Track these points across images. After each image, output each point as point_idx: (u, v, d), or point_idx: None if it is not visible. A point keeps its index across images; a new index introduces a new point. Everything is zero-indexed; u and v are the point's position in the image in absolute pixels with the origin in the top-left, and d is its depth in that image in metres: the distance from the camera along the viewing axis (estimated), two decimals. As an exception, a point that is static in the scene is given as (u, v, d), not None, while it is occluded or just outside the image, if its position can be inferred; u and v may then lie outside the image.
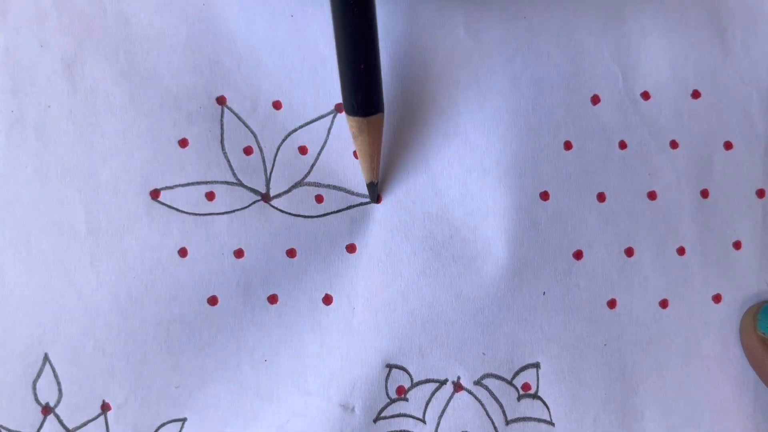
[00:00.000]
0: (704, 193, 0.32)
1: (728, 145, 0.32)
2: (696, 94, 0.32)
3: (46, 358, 0.29)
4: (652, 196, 0.31)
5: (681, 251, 0.31)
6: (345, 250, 0.30)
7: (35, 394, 0.29)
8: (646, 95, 0.32)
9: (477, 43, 0.31)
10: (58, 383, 0.29)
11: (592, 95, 0.31)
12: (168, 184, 0.30)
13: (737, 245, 0.32)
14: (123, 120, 0.30)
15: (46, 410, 0.29)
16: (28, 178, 0.29)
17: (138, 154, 0.30)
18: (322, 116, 0.31)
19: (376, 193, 0.30)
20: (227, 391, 0.29)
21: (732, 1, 0.32)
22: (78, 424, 0.29)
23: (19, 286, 0.29)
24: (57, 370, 0.29)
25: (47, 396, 0.29)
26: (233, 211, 0.30)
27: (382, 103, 0.28)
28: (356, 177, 0.30)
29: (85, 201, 0.29)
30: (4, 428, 0.29)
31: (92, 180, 0.29)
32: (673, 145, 0.32)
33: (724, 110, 0.32)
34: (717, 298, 0.31)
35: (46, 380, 0.29)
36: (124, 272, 0.29)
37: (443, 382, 0.30)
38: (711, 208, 0.32)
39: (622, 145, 0.31)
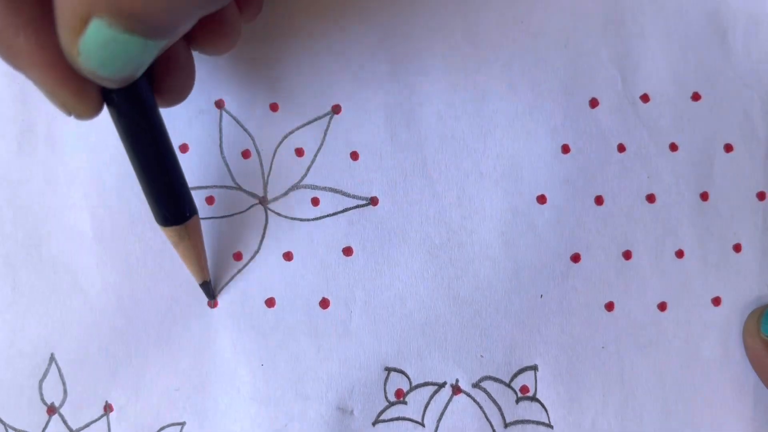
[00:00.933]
0: (704, 196, 0.31)
1: (728, 148, 0.32)
2: (696, 96, 0.32)
3: (52, 359, 0.29)
4: (651, 198, 0.31)
5: (680, 254, 0.31)
6: (342, 253, 0.30)
7: (41, 394, 0.29)
8: (645, 98, 0.32)
9: (474, 47, 0.31)
10: (64, 383, 0.29)
11: (590, 98, 0.31)
12: (169, 189, 0.30)
13: (737, 248, 0.31)
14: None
15: (51, 410, 0.29)
16: (38, 184, 0.30)
17: (140, 160, 0.30)
18: (319, 117, 0.31)
19: (211, 291, 0.30)
20: (225, 395, 0.30)
21: (733, 3, 0.32)
22: (81, 424, 0.29)
23: (29, 288, 0.30)
24: (62, 370, 0.30)
25: (52, 396, 0.29)
26: (232, 215, 0.30)
27: (194, 205, 0.27)
28: (353, 179, 0.31)
29: (91, 206, 0.30)
30: (11, 428, 0.29)
31: (97, 186, 0.30)
32: (673, 147, 0.31)
33: (724, 112, 0.32)
34: (717, 301, 0.31)
35: (52, 380, 0.29)
36: (128, 275, 0.30)
37: (442, 385, 0.30)
38: (711, 210, 0.31)
39: (621, 148, 0.31)
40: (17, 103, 0.30)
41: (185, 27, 0.21)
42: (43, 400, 0.29)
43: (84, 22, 0.19)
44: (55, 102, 0.22)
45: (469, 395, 0.30)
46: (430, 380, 0.30)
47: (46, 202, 0.30)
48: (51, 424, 0.29)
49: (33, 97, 0.30)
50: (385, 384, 0.30)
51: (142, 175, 0.25)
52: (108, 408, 0.30)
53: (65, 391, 0.29)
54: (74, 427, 0.29)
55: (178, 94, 0.26)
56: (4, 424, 0.29)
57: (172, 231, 0.27)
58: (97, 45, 0.19)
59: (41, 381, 0.30)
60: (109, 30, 0.19)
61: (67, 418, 0.29)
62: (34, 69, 0.21)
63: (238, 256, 0.30)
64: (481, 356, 0.30)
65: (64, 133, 0.30)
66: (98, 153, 0.30)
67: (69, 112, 0.22)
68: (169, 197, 0.26)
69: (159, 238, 0.30)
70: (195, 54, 0.30)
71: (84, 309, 0.30)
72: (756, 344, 0.30)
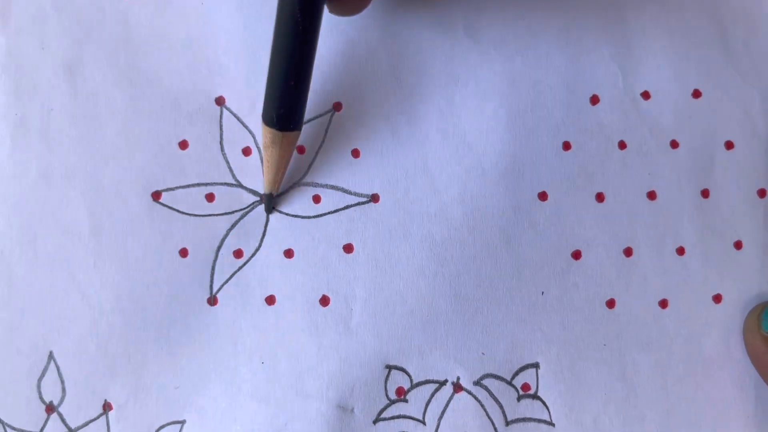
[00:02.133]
0: (705, 193, 0.31)
1: (729, 145, 0.32)
2: (697, 94, 0.32)
3: (51, 357, 0.29)
4: (651, 195, 0.31)
5: (681, 251, 0.31)
6: (342, 250, 0.30)
7: (40, 393, 0.29)
8: (646, 95, 0.32)
9: (476, 43, 0.31)
10: (62, 382, 0.29)
11: (591, 95, 0.31)
12: (169, 186, 0.30)
13: (738, 245, 0.31)
14: (124, 122, 0.30)
15: (50, 409, 0.29)
16: (33, 180, 0.30)
17: (139, 156, 0.30)
18: (320, 115, 0.31)
19: (271, 205, 0.30)
20: (225, 393, 0.29)
21: (733, 1, 0.32)
22: (80, 423, 0.29)
23: (26, 285, 0.29)
24: (61, 368, 0.29)
25: (51, 395, 0.29)
26: (232, 212, 0.30)
27: (302, 122, 0.28)
28: (354, 176, 0.30)
29: (88, 203, 0.30)
30: (9, 426, 0.29)
31: (95, 182, 0.30)
32: (674, 144, 0.32)
33: (725, 110, 0.32)
34: (718, 298, 0.31)
35: (51, 379, 0.29)
36: (127, 272, 0.30)
37: (443, 383, 0.30)
38: (711, 207, 0.31)
39: (622, 145, 0.31)
40: (10, 96, 0.30)
41: None
42: (41, 398, 0.29)
43: None
44: None
45: (470, 393, 0.30)
46: (431, 378, 0.30)
47: (41, 198, 0.30)
48: (49, 423, 0.29)
49: (26, 91, 0.30)
50: (385, 382, 0.30)
51: (276, 70, 0.26)
52: (107, 407, 0.29)
53: (63, 389, 0.29)
54: (73, 426, 0.29)
55: (353, 5, 0.27)
56: (2, 423, 0.29)
57: (270, 133, 0.28)
58: None
59: (40, 379, 0.29)
60: None
61: (65, 416, 0.29)
62: None
63: (238, 254, 0.30)
64: (483, 354, 0.30)
65: (60, 129, 0.30)
66: (97, 150, 0.30)
67: None
68: (286, 101, 0.27)
69: (159, 237, 0.30)
70: (195, 49, 0.30)
71: (82, 307, 0.29)
72: (756, 341, 0.30)
